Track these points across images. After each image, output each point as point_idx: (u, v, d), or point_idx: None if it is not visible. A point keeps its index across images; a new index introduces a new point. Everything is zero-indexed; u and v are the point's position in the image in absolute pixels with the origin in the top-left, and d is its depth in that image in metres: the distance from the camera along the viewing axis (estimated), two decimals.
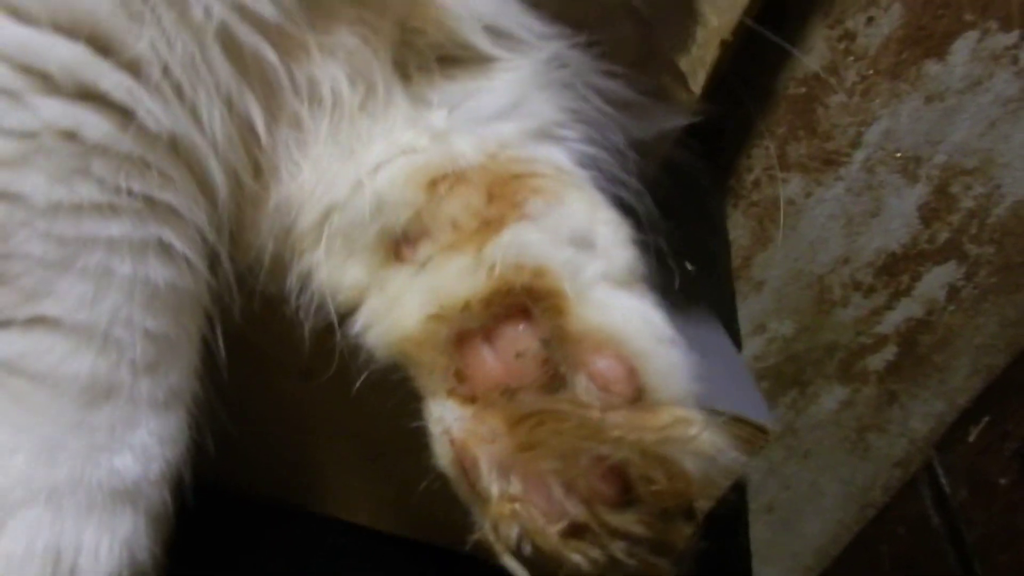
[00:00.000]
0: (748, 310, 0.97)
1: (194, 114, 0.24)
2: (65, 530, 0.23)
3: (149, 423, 0.25)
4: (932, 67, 0.82)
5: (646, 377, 0.23)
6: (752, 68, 0.86)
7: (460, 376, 0.25)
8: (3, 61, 0.22)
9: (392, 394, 0.28)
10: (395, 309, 0.27)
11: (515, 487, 0.23)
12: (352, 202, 0.27)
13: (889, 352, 0.95)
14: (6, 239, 0.23)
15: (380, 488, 0.38)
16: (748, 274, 0.96)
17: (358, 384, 0.28)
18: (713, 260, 0.80)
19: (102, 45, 0.23)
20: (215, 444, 0.28)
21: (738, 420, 0.36)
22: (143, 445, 0.25)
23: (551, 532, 0.22)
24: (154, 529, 0.26)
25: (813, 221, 0.92)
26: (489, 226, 0.25)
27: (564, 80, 0.29)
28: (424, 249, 0.27)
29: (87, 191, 0.23)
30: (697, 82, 0.82)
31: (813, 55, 0.86)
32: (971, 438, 0.87)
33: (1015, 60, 0.80)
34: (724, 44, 0.80)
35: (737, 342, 0.81)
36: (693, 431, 0.22)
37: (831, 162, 0.89)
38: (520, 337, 0.24)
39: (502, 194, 0.26)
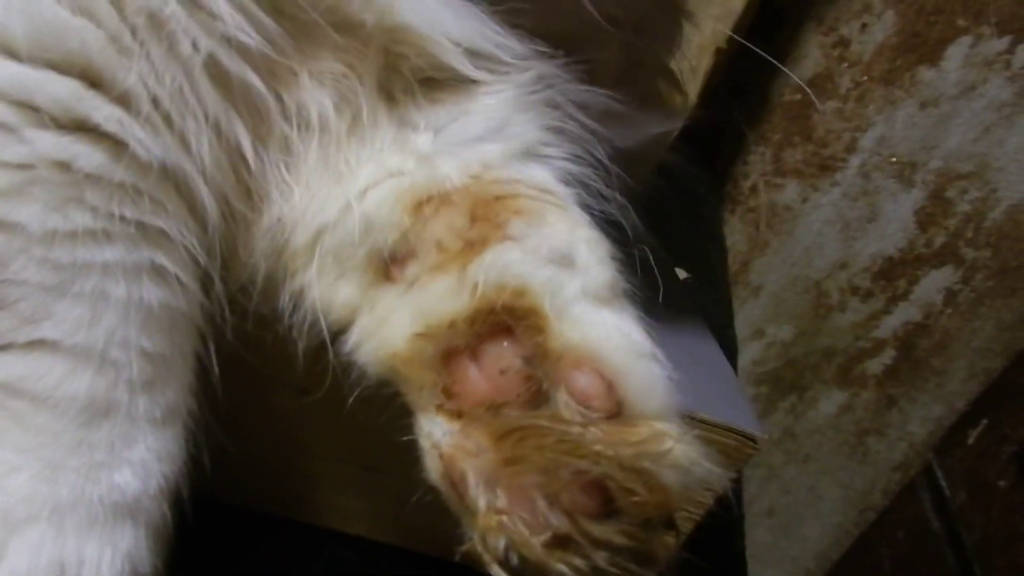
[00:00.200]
0: (746, 315, 0.97)
1: (183, 142, 0.25)
2: (68, 546, 0.24)
3: (147, 439, 0.26)
4: (926, 73, 0.83)
5: (624, 392, 0.24)
6: (747, 75, 0.87)
7: (447, 392, 0.25)
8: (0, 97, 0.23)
9: (384, 409, 0.29)
10: (384, 328, 0.28)
11: (501, 500, 0.24)
12: (342, 223, 0.28)
13: (887, 356, 0.95)
14: (5, 266, 0.23)
15: (376, 500, 0.39)
16: (746, 279, 0.97)
17: (351, 400, 0.29)
18: (710, 266, 0.80)
19: (94, 80, 0.24)
20: (213, 459, 0.29)
21: (727, 429, 0.36)
22: (142, 461, 0.26)
23: (536, 543, 0.23)
24: (155, 542, 0.27)
25: (810, 226, 0.92)
26: (472, 247, 0.26)
27: (547, 100, 0.29)
28: (411, 269, 0.27)
29: (81, 219, 0.24)
30: (692, 90, 0.83)
31: (808, 62, 0.86)
32: (969, 441, 0.88)
33: (1008, 65, 0.81)
34: (719, 52, 0.81)
35: (734, 347, 0.81)
36: (668, 445, 0.22)
37: (827, 168, 0.90)
38: (504, 354, 0.25)
39: (485, 216, 0.26)
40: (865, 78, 0.85)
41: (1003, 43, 0.80)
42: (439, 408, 0.26)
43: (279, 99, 0.27)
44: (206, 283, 0.28)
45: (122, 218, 0.24)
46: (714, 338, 0.47)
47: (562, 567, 0.23)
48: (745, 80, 0.87)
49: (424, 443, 0.26)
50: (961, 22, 0.80)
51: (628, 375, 0.24)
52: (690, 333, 0.45)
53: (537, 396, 0.24)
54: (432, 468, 0.26)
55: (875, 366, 0.96)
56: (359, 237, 0.28)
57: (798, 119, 0.89)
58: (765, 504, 1.05)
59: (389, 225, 0.28)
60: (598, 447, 0.22)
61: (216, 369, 0.29)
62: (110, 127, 0.24)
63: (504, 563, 0.23)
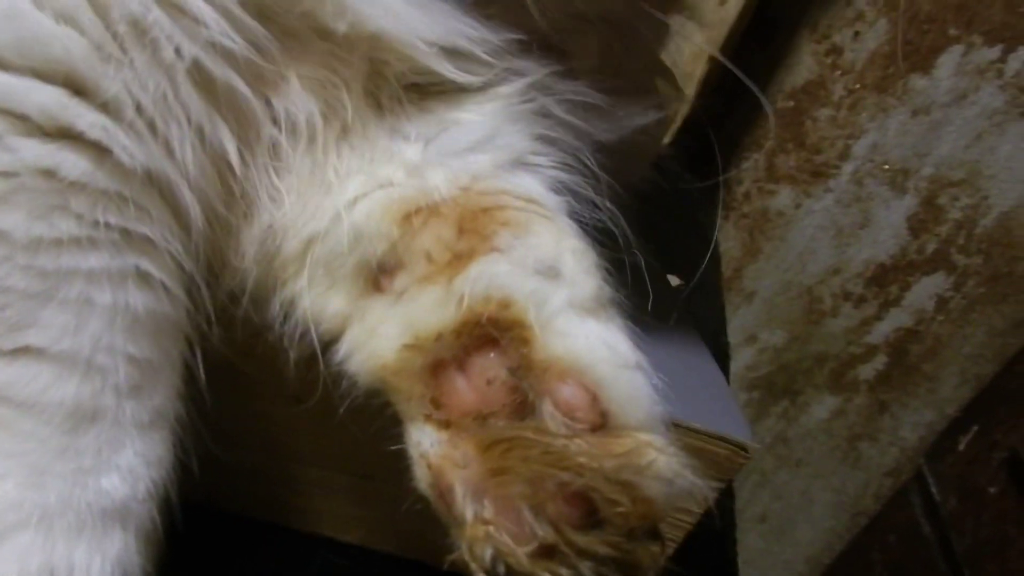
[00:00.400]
0: (739, 321, 0.97)
1: (168, 148, 0.25)
2: (57, 551, 0.24)
3: (135, 444, 0.26)
4: (918, 81, 0.83)
5: (609, 404, 0.24)
6: (740, 82, 0.87)
7: (436, 403, 0.26)
8: None
9: (376, 418, 0.29)
10: (374, 339, 0.28)
11: (488, 510, 0.24)
12: (332, 233, 0.28)
13: (879, 362, 0.96)
14: None
15: (368, 507, 0.39)
16: (739, 285, 0.97)
17: (343, 409, 0.29)
18: (703, 271, 0.80)
19: (78, 87, 0.24)
20: (206, 467, 0.29)
21: (718, 438, 0.36)
22: (130, 466, 0.26)
23: (522, 553, 0.23)
24: (144, 547, 0.27)
25: (803, 232, 0.93)
26: (460, 259, 0.26)
27: (537, 109, 0.30)
28: (400, 280, 0.28)
29: (66, 226, 0.24)
30: (686, 95, 0.83)
31: (801, 69, 0.87)
32: (960, 447, 0.88)
33: (1000, 74, 0.81)
34: (713, 59, 0.81)
35: (727, 353, 0.81)
36: (651, 457, 0.22)
37: (820, 174, 0.90)
38: (490, 366, 0.25)
39: (472, 228, 0.26)
40: (858, 86, 0.86)
41: (995, 52, 0.81)
42: (427, 418, 0.26)
43: (267, 103, 0.27)
44: (192, 289, 0.28)
45: (107, 225, 0.24)
46: (706, 346, 0.47)
47: None
48: (739, 86, 0.87)
49: (413, 452, 0.26)
50: (953, 31, 0.81)
51: (612, 387, 0.24)
52: (682, 341, 0.45)
53: (523, 407, 0.24)
54: (421, 477, 0.26)
55: (867, 372, 0.96)
56: (348, 247, 0.28)
57: (791, 126, 0.89)
58: (757, 509, 1.05)
59: (378, 236, 0.28)
60: (582, 459, 0.22)
61: (203, 374, 0.29)
62: (94, 134, 0.24)
63: (491, 572, 0.23)
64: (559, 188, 0.30)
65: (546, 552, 0.23)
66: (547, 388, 0.24)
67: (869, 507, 1.00)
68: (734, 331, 0.95)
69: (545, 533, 0.23)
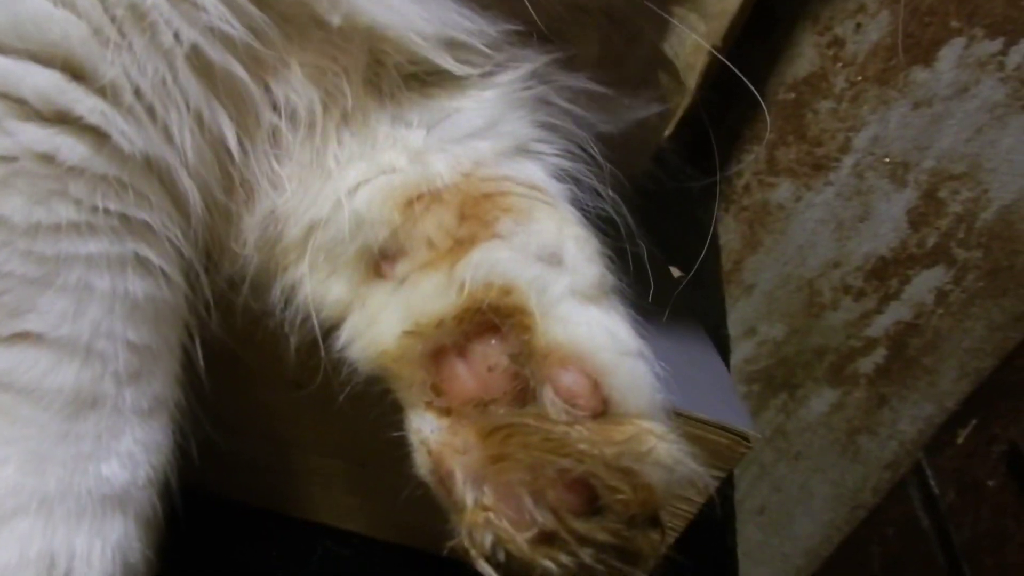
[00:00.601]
0: (739, 313, 0.97)
1: (166, 134, 0.25)
2: (57, 537, 0.24)
3: (134, 431, 0.26)
4: (920, 73, 0.83)
5: (610, 391, 0.24)
6: (742, 74, 0.87)
7: (436, 390, 0.26)
8: None
9: (376, 406, 0.29)
10: (375, 325, 0.28)
11: (488, 497, 0.24)
12: (333, 220, 0.28)
13: (878, 355, 0.96)
14: None
15: (369, 496, 0.39)
16: (739, 278, 0.97)
17: (343, 396, 0.29)
18: (703, 264, 0.80)
19: (76, 72, 0.24)
20: (208, 456, 0.29)
21: (720, 428, 0.36)
22: (129, 452, 0.26)
23: (522, 539, 0.23)
24: (145, 533, 0.27)
25: (803, 225, 0.93)
26: (461, 245, 0.26)
27: (540, 96, 0.29)
28: (402, 267, 0.27)
29: (65, 211, 0.24)
30: (688, 88, 0.83)
31: (803, 61, 0.87)
32: (959, 440, 0.88)
33: (1001, 67, 0.81)
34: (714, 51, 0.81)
35: (726, 346, 0.81)
36: (651, 444, 0.22)
37: (820, 167, 0.90)
38: (491, 352, 0.25)
39: (474, 214, 0.26)
40: (859, 78, 0.86)
41: (996, 45, 0.80)
42: (428, 405, 0.26)
43: (267, 90, 0.27)
44: (191, 275, 0.28)
45: (106, 211, 0.24)
46: (708, 337, 0.47)
47: (548, 563, 0.23)
48: (739, 79, 0.87)
49: (414, 439, 0.26)
50: (955, 23, 0.81)
51: (613, 374, 0.24)
52: (684, 331, 0.45)
53: (524, 394, 0.24)
54: (421, 464, 0.26)
55: (866, 365, 0.96)
56: (350, 234, 0.28)
57: (792, 118, 0.89)
58: (756, 502, 1.05)
59: (380, 222, 0.28)
60: (582, 446, 0.22)
61: (202, 361, 0.29)
62: (93, 119, 0.24)
63: (491, 559, 0.24)
64: (561, 176, 0.30)
65: (546, 538, 0.23)
66: (548, 375, 0.24)
67: (868, 500, 1.00)
68: (734, 324, 0.95)
69: (545, 519, 0.23)
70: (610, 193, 0.31)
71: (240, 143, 0.27)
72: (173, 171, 0.26)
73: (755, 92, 0.75)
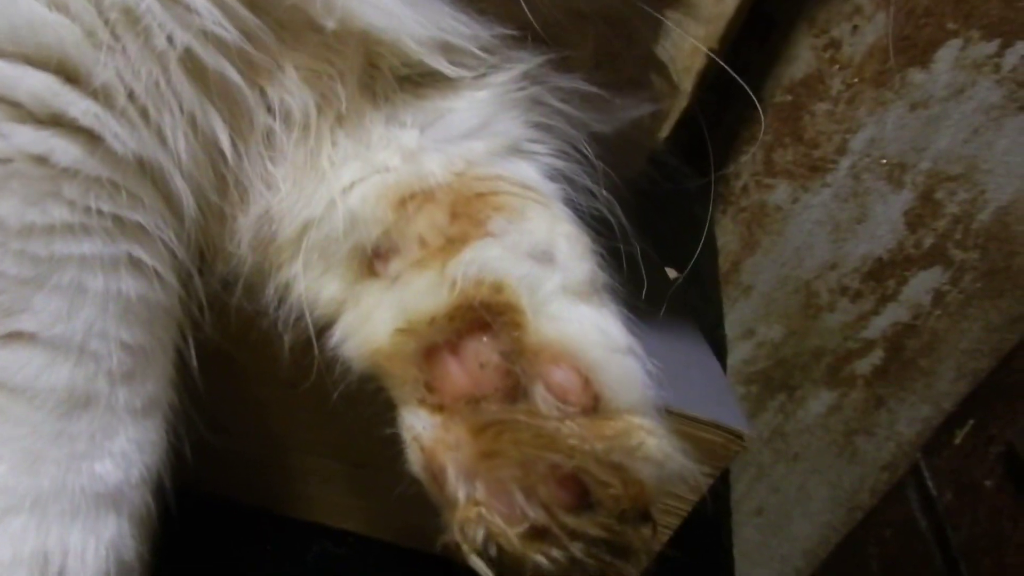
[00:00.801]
0: (737, 315, 0.97)
1: (160, 136, 0.25)
2: (51, 535, 0.24)
3: (128, 430, 0.26)
4: (916, 75, 0.83)
5: (601, 387, 0.24)
6: (739, 76, 0.87)
7: (429, 387, 0.26)
8: None
9: (370, 405, 0.29)
10: (368, 323, 0.28)
11: (479, 492, 0.24)
12: (327, 218, 0.28)
13: (876, 356, 0.96)
14: None
15: (365, 496, 0.39)
16: (737, 279, 0.97)
17: (336, 395, 0.29)
18: (700, 266, 0.81)
19: (70, 74, 0.24)
20: (204, 455, 0.29)
21: (714, 426, 0.36)
22: (123, 451, 0.26)
23: (513, 534, 0.23)
24: (139, 532, 0.27)
25: (800, 227, 0.93)
26: (453, 244, 0.26)
27: (533, 97, 0.30)
28: (395, 265, 0.28)
29: (59, 212, 0.24)
30: (685, 90, 0.83)
31: (799, 64, 0.87)
32: (957, 441, 0.88)
33: (997, 68, 0.81)
34: (711, 52, 0.81)
35: (724, 347, 0.82)
36: (641, 439, 0.22)
37: (817, 169, 0.90)
38: (482, 350, 0.25)
39: (466, 212, 0.27)
40: (856, 80, 0.86)
41: (992, 46, 0.80)
42: (421, 402, 0.26)
43: (261, 93, 0.27)
44: (184, 276, 0.28)
45: (99, 212, 0.24)
46: (702, 335, 0.47)
47: (539, 558, 0.23)
48: (736, 81, 0.87)
49: (406, 436, 0.27)
50: (951, 25, 0.81)
51: (604, 370, 0.24)
52: (678, 330, 0.45)
53: (515, 391, 0.24)
54: (414, 460, 0.26)
55: (864, 366, 0.96)
56: (344, 232, 0.28)
57: (789, 120, 0.89)
58: (754, 503, 1.05)
59: (373, 220, 0.28)
60: (573, 441, 0.22)
61: (195, 362, 0.29)
62: (87, 121, 0.24)
63: (482, 554, 0.24)
64: (555, 176, 0.30)
65: (537, 534, 0.23)
66: (539, 371, 0.24)
67: (865, 501, 1.00)
68: (731, 325, 0.95)
69: (536, 515, 0.23)
70: (604, 193, 0.31)
71: (234, 145, 0.27)
72: (166, 173, 0.26)
73: (751, 96, 0.76)
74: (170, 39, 0.25)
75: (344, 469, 0.38)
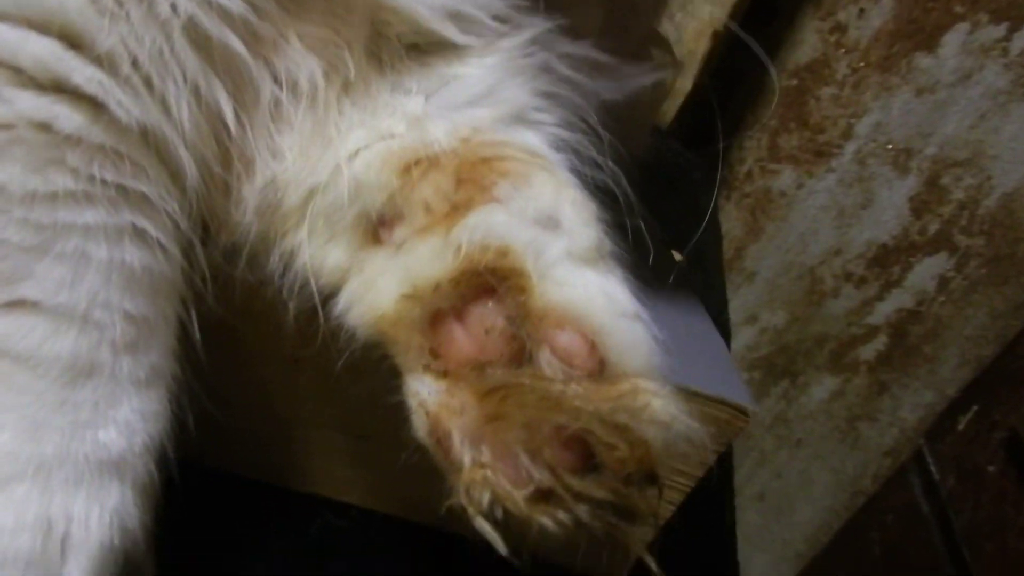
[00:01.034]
0: (740, 301, 0.97)
1: (164, 105, 0.25)
2: (54, 502, 0.24)
3: (131, 400, 0.26)
4: (923, 60, 0.83)
5: (607, 351, 0.24)
6: (744, 60, 0.87)
7: (434, 353, 0.26)
8: None
9: (373, 377, 0.29)
10: (373, 290, 0.28)
11: (485, 455, 0.24)
12: (332, 185, 0.28)
13: (880, 342, 0.96)
14: None
15: (368, 469, 0.39)
16: (740, 265, 0.97)
17: (340, 365, 0.29)
18: (704, 251, 0.80)
19: (73, 40, 0.24)
20: (207, 428, 0.29)
21: (718, 402, 0.36)
22: (126, 421, 0.26)
23: (519, 497, 0.23)
24: (142, 500, 0.27)
25: (804, 213, 0.93)
26: (458, 209, 0.26)
27: (539, 64, 0.29)
28: (400, 232, 0.28)
29: (62, 180, 0.24)
30: (689, 74, 0.83)
31: (805, 48, 0.86)
32: (960, 427, 0.88)
33: (1005, 53, 0.80)
34: (716, 36, 0.81)
35: (727, 333, 0.81)
36: (646, 400, 0.22)
37: (822, 154, 0.90)
38: (488, 315, 0.25)
39: (471, 178, 0.26)
40: (862, 64, 0.85)
41: (1000, 30, 0.80)
42: (426, 368, 0.26)
43: (268, 64, 0.27)
44: (188, 248, 0.28)
45: (103, 181, 0.24)
46: (707, 313, 0.47)
47: (545, 520, 0.23)
48: (742, 65, 0.87)
49: (412, 402, 0.27)
50: (958, 9, 0.80)
51: (610, 334, 0.24)
52: (683, 307, 0.45)
53: (521, 355, 0.24)
54: (419, 426, 0.26)
55: (867, 352, 0.96)
56: (349, 198, 0.28)
57: (794, 105, 0.89)
58: (757, 488, 1.05)
59: (378, 187, 0.28)
60: (578, 403, 0.22)
61: (198, 334, 0.29)
62: (90, 88, 0.24)
63: (488, 517, 0.24)
64: (561, 146, 0.30)
65: (543, 496, 0.23)
66: (545, 336, 0.24)
67: (868, 487, 1.00)
68: (735, 311, 0.95)
69: (542, 477, 0.23)
70: (610, 165, 0.31)
71: (237, 117, 0.27)
72: (170, 143, 0.26)
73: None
74: (173, 7, 0.24)
75: (346, 442, 0.38)
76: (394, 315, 0.26)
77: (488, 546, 0.24)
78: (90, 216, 0.24)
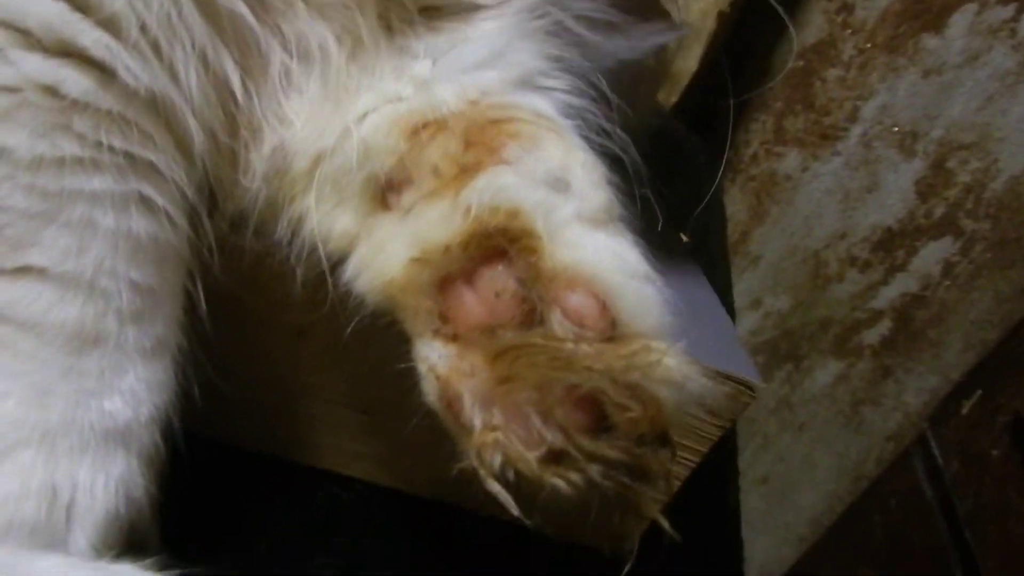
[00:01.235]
0: (744, 285, 0.97)
1: (172, 72, 0.25)
2: (60, 470, 0.24)
3: (137, 369, 0.26)
4: (930, 41, 0.82)
5: (618, 311, 0.24)
6: (750, 41, 0.86)
7: (443, 317, 0.25)
8: None
9: (378, 348, 0.28)
10: (381, 255, 0.27)
11: (496, 417, 0.24)
12: (340, 149, 0.28)
13: (884, 327, 0.95)
14: None
15: (373, 442, 0.39)
16: (745, 249, 0.96)
17: (347, 334, 0.29)
18: (709, 234, 0.80)
19: (80, 2, 0.23)
20: (212, 400, 0.28)
21: (724, 376, 0.36)
22: (132, 390, 0.26)
23: (531, 458, 0.23)
24: (148, 470, 0.27)
25: (810, 196, 0.92)
26: (467, 172, 0.26)
27: (549, 26, 0.29)
28: (408, 196, 0.27)
29: (69, 146, 0.24)
30: (695, 54, 0.82)
31: (811, 28, 0.86)
32: (964, 411, 0.88)
33: (1013, 33, 0.80)
34: (722, 16, 0.80)
35: (732, 316, 0.81)
36: (658, 357, 0.22)
37: (828, 137, 0.89)
38: (498, 277, 0.25)
39: (480, 140, 0.26)
40: (868, 45, 0.84)
41: (1008, 11, 0.79)
42: (435, 333, 0.26)
43: (277, 30, 0.27)
44: (194, 218, 0.28)
45: (110, 148, 0.24)
46: (712, 288, 0.47)
47: (558, 481, 0.23)
48: (747, 46, 0.86)
49: (421, 367, 0.26)
50: None
51: (621, 295, 0.24)
52: (689, 283, 0.45)
53: (531, 318, 0.24)
54: (429, 391, 0.26)
55: (872, 337, 0.96)
56: (357, 162, 0.28)
57: (800, 87, 0.88)
58: (760, 472, 1.05)
59: (386, 150, 0.27)
60: (590, 362, 0.22)
61: (204, 305, 0.29)
62: (97, 52, 0.24)
63: (500, 478, 0.23)
64: (570, 112, 0.30)
65: (555, 457, 0.23)
66: (556, 296, 0.24)
67: (871, 471, 1.00)
68: (739, 295, 0.95)
69: (554, 438, 0.23)
70: (619, 132, 0.31)
71: (244, 85, 0.27)
72: (178, 111, 0.26)
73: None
74: None
75: (351, 416, 0.38)
76: (403, 280, 0.26)
77: (493, 517, 0.24)
78: (97, 183, 0.24)
